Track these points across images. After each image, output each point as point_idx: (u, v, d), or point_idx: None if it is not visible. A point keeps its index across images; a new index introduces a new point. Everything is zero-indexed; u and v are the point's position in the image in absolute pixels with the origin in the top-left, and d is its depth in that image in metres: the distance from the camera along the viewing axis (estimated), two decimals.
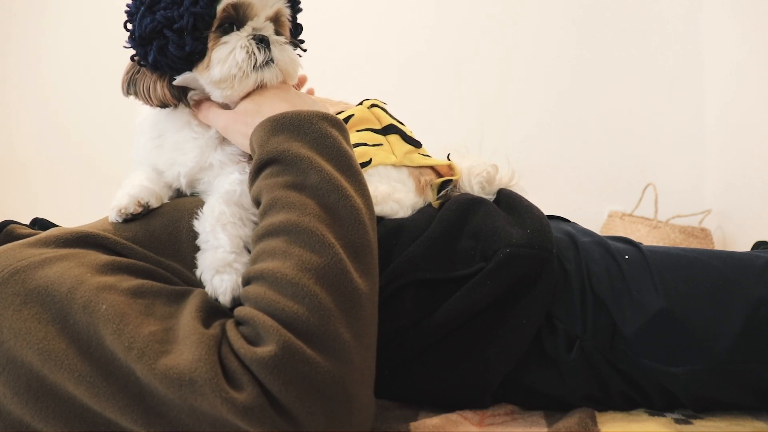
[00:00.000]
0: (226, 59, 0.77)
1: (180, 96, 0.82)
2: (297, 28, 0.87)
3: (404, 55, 2.44)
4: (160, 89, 0.81)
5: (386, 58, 2.45)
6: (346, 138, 0.77)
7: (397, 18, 2.46)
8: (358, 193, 0.72)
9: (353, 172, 0.74)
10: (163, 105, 0.82)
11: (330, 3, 2.47)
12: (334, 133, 0.75)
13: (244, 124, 0.79)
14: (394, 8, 2.47)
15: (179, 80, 0.80)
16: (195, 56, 0.78)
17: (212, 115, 0.82)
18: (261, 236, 0.68)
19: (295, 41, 0.87)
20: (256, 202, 0.73)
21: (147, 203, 0.82)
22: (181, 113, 0.85)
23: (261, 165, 0.73)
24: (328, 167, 0.71)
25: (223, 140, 0.84)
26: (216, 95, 0.81)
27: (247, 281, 0.66)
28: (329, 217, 0.68)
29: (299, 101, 0.80)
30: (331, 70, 2.37)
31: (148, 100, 0.82)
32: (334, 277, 0.63)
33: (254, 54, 0.78)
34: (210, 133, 0.84)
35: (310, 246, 0.64)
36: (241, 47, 0.78)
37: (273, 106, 0.79)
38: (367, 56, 2.46)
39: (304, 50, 0.88)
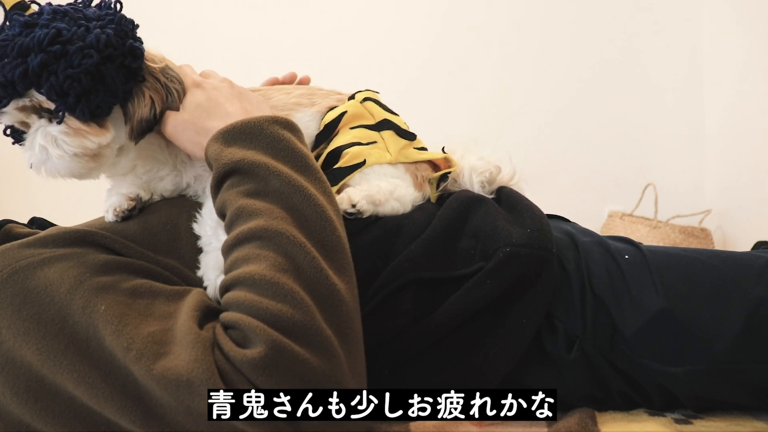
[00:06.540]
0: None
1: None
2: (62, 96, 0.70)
3: (411, 60, 2.46)
4: None
5: (394, 63, 2.47)
6: (300, 138, 0.77)
7: (405, 23, 2.48)
8: (319, 192, 0.71)
9: (311, 171, 0.73)
10: None
11: (342, 9, 2.48)
12: (287, 135, 0.75)
13: (195, 132, 0.78)
14: (402, 15, 2.48)
15: None
16: None
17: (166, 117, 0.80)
18: (232, 246, 0.67)
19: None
20: (221, 215, 0.72)
21: (137, 195, 0.83)
22: (123, 162, 0.83)
23: (220, 178, 0.72)
24: (287, 170, 0.71)
25: (187, 159, 0.84)
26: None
27: (225, 289, 0.65)
28: (296, 219, 0.67)
29: (246, 103, 0.80)
30: (341, 74, 2.37)
31: None
32: (309, 275, 0.63)
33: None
34: (169, 165, 0.84)
35: (282, 248, 0.64)
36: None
37: (224, 115, 0.78)
38: (376, 61, 2.46)
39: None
